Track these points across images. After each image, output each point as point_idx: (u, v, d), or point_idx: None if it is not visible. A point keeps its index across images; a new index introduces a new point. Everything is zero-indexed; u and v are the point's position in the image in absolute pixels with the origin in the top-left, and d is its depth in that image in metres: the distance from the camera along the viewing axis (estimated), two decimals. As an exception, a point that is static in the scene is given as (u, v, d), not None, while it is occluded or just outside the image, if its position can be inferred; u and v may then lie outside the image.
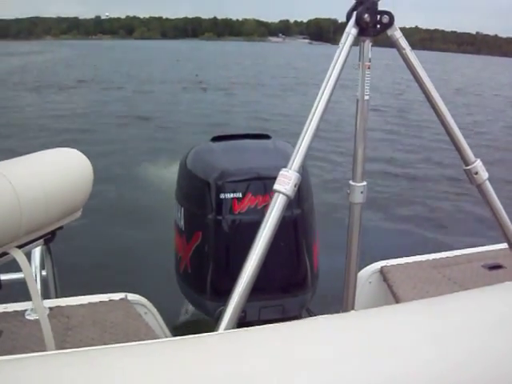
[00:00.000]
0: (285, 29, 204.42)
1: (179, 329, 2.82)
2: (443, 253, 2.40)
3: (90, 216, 2.02)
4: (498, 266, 2.21)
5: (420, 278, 2.13)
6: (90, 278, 3.96)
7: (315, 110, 1.38)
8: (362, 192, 1.56)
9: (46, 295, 1.89)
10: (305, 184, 1.79)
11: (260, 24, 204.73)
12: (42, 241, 1.48)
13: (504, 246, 1.63)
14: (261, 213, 1.65)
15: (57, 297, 1.97)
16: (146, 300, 1.98)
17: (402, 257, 2.32)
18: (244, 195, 1.71)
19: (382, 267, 2.21)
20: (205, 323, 1.98)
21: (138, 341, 0.58)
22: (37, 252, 1.86)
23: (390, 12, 1.46)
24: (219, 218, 1.72)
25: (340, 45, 1.45)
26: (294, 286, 1.82)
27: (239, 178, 1.73)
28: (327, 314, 0.60)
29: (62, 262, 1.97)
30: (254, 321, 1.74)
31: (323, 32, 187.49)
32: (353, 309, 1.69)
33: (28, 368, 0.44)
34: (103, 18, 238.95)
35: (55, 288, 1.96)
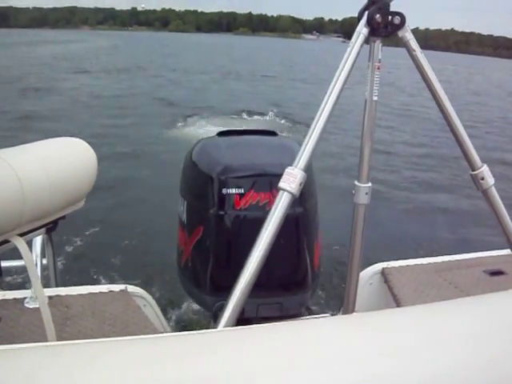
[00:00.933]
0: (319, 26, 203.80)
1: (177, 322, 2.85)
2: (445, 256, 2.38)
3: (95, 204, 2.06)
4: (499, 272, 2.19)
5: (421, 282, 2.11)
6: (91, 268, 4.06)
7: (323, 108, 1.37)
8: (366, 193, 1.55)
9: (46, 284, 1.90)
10: (309, 183, 1.78)
11: (295, 21, 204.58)
12: (43, 230, 1.48)
13: (507, 252, 1.62)
14: (263, 209, 1.64)
15: (57, 286, 1.98)
16: (145, 292, 1.98)
17: (403, 259, 2.31)
18: (246, 191, 1.70)
19: (383, 269, 2.20)
20: (202, 317, 1.99)
21: (137, 333, 0.59)
22: (38, 241, 1.87)
23: (401, 13, 1.44)
24: (221, 214, 1.71)
25: (350, 44, 1.44)
26: (294, 284, 1.81)
27: (242, 173, 1.73)
28: (327, 313, 0.60)
29: (63, 251, 2.00)
30: (252, 318, 1.73)
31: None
32: (354, 309, 1.68)
33: (26, 358, 0.44)
34: (139, 9, 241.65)
35: (55, 277, 1.98)
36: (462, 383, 0.44)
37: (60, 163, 1.46)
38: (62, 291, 1.89)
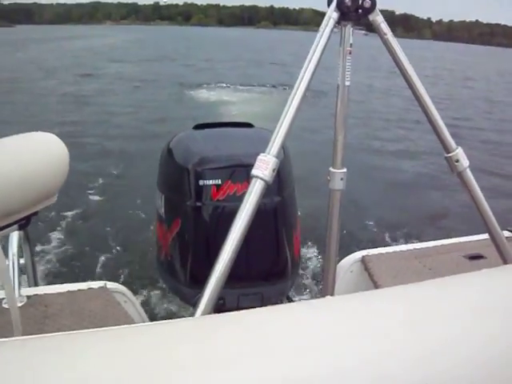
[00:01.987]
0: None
1: (159, 317, 2.85)
2: (424, 243, 2.38)
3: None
4: (478, 256, 2.20)
5: (401, 268, 2.12)
6: (70, 266, 4.01)
7: (294, 94, 1.34)
8: (341, 179, 1.52)
9: (24, 283, 1.88)
10: (286, 171, 1.78)
11: (317, 13, 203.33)
12: (16, 226, 1.45)
13: (485, 236, 1.57)
14: (240, 200, 1.64)
15: (35, 285, 1.95)
16: (125, 288, 1.97)
17: (383, 246, 2.31)
18: (223, 182, 1.70)
19: (363, 256, 2.19)
20: (184, 311, 1.98)
21: None
22: (14, 239, 1.84)
23: None
24: (198, 205, 1.72)
25: (320, 29, 1.41)
26: (274, 274, 1.81)
27: (219, 165, 1.73)
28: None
29: (40, 249, 1.98)
30: (233, 308, 1.72)
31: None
32: (333, 295, 1.67)
33: None
34: (161, 3, 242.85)
35: (34, 276, 1.95)
36: (438, 363, 0.44)
37: (30, 158, 1.44)
38: (41, 290, 1.87)
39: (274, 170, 1.28)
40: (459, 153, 1.48)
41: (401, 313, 0.50)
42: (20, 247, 1.84)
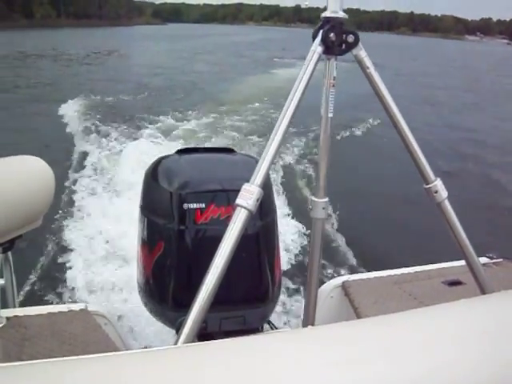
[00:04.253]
0: (485, 27, 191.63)
1: (139, 340, 2.85)
2: (404, 269, 2.40)
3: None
4: (457, 283, 2.23)
5: (381, 294, 2.14)
6: (50, 288, 4.01)
7: (279, 126, 1.36)
8: (323, 208, 1.55)
9: (4, 305, 1.86)
10: (268, 198, 1.78)
11: (458, 21, 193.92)
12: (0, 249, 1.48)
13: (463, 262, 1.57)
14: (224, 224, 1.64)
15: (15, 306, 1.95)
16: (106, 311, 1.98)
17: (363, 272, 2.31)
18: (207, 206, 1.72)
19: (343, 282, 2.21)
20: (165, 334, 1.99)
21: (97, 352, 0.62)
22: None
23: (355, 32, 1.44)
24: (182, 228, 1.73)
25: (305, 62, 1.42)
26: (256, 297, 1.82)
27: (203, 188, 1.74)
28: (288, 327, 0.64)
29: (22, 271, 1.96)
30: (215, 332, 1.74)
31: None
32: (313, 323, 1.66)
33: None
34: (303, 6, 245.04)
35: (13, 298, 1.94)
36: None
37: (16, 182, 1.46)
38: (21, 312, 1.87)
39: (257, 200, 1.31)
40: (438, 184, 1.49)
41: (382, 343, 0.51)
42: (0, 268, 1.83)
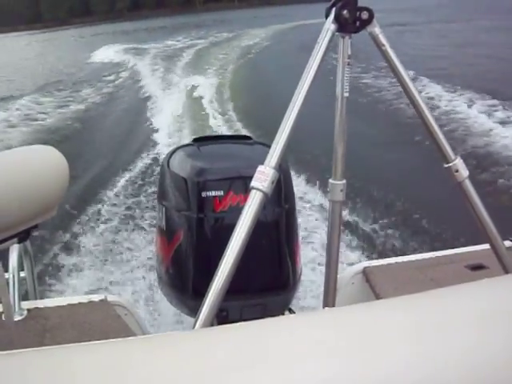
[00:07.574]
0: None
1: (160, 330, 2.84)
2: (426, 254, 2.38)
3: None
4: (480, 267, 2.18)
5: (402, 279, 2.11)
6: (71, 279, 4.05)
7: (293, 106, 1.35)
8: (341, 190, 1.53)
9: (24, 297, 1.88)
10: (286, 183, 1.80)
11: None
12: (15, 240, 1.46)
13: (487, 246, 1.55)
14: None
15: (35, 298, 1.96)
16: (126, 301, 1.97)
17: (384, 258, 2.30)
18: (225, 193, 1.71)
19: (364, 268, 2.20)
20: (186, 324, 1.97)
21: None
22: (14, 252, 1.84)
23: (369, 8, 1.41)
24: (201, 216, 1.72)
25: (318, 41, 1.41)
26: (276, 285, 1.81)
27: (220, 176, 1.74)
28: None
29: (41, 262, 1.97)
30: (236, 320, 1.72)
31: None
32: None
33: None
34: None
35: (34, 289, 1.95)
36: (441, 374, 0.43)
37: (30, 171, 1.46)
38: (41, 303, 1.88)
39: (273, 182, 1.29)
40: (458, 163, 1.47)
41: (402, 323, 0.50)
42: (21, 260, 1.84)
